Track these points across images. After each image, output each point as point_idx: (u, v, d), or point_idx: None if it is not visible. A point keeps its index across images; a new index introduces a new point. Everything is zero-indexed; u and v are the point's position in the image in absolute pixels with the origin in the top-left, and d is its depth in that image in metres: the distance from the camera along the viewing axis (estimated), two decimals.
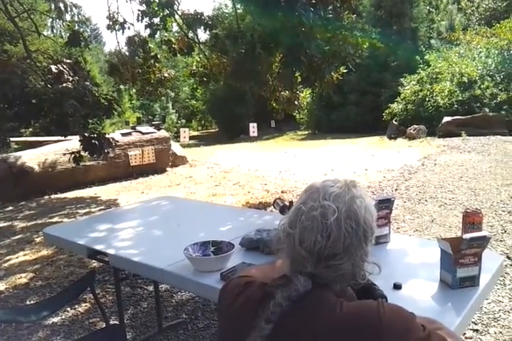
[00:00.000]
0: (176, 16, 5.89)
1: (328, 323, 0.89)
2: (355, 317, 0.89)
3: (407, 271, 1.61)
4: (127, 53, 6.48)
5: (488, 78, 11.89)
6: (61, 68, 4.95)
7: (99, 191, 7.36)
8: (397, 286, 1.44)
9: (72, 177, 7.49)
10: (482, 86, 11.68)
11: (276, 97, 6.23)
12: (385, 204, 1.84)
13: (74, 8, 6.08)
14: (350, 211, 0.94)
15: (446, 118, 10.76)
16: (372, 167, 7.58)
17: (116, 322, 2.71)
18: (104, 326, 2.59)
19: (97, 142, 5.18)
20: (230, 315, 1.03)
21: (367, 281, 1.08)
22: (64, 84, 4.78)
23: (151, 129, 9.02)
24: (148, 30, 5.95)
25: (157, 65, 6.65)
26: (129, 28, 6.06)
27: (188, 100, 28.81)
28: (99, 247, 2.02)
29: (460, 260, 1.42)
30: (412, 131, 11.14)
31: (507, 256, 3.47)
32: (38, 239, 4.83)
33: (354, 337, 0.87)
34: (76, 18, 6.59)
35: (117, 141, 5.99)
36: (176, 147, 9.72)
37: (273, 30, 4.82)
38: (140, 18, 5.80)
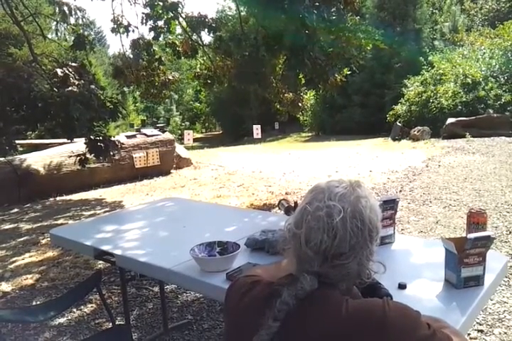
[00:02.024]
0: (180, 19, 5.93)
1: (334, 320, 0.90)
2: (361, 314, 0.90)
3: (412, 270, 1.62)
4: (131, 56, 6.52)
5: (492, 79, 11.88)
6: (67, 72, 4.98)
7: (104, 193, 7.39)
8: (401, 286, 1.45)
9: (78, 180, 7.52)
10: (486, 87, 11.67)
11: (280, 99, 6.26)
12: (390, 205, 1.86)
13: (78, 12, 6.10)
14: (356, 211, 0.95)
15: (450, 120, 10.75)
16: (377, 168, 7.58)
17: (122, 323, 2.72)
18: (110, 326, 2.61)
19: (102, 145, 5.21)
20: (236, 313, 1.05)
21: (372, 280, 1.09)
22: (70, 88, 4.81)
23: (155, 131, 9.05)
24: (152, 33, 5.99)
25: (161, 67, 6.69)
26: (133, 31, 6.10)
27: (192, 102, 28.95)
28: (105, 248, 2.04)
29: (464, 260, 1.43)
30: (416, 132, 11.13)
31: None
32: (43, 241, 4.85)
33: (359, 334, 0.88)
34: (80, 21, 6.61)
35: (122, 144, 6.02)
36: (180, 149, 9.75)
37: (277, 32, 4.85)
38: (144, 21, 5.84)
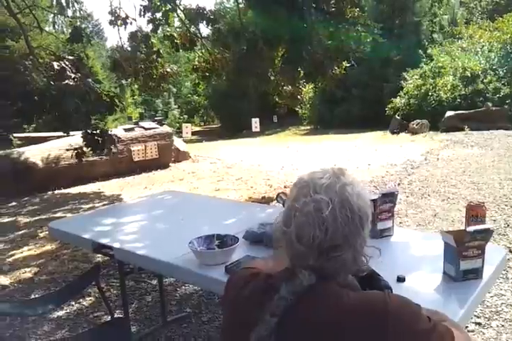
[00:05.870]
0: (178, 11, 5.89)
1: (335, 314, 0.89)
2: (362, 308, 0.89)
3: (411, 263, 1.62)
4: (129, 49, 6.47)
5: (491, 72, 11.85)
6: (63, 65, 4.94)
7: (102, 186, 7.38)
8: (400, 279, 1.44)
9: (76, 173, 7.50)
10: (485, 80, 11.64)
11: (279, 92, 6.23)
12: (389, 198, 1.85)
13: (75, 4, 6.07)
14: (343, 200, 0.93)
15: (449, 113, 10.73)
16: (375, 162, 7.58)
17: (121, 316, 2.72)
18: (108, 319, 2.61)
19: (99, 138, 5.18)
20: (235, 307, 1.04)
21: (370, 271, 1.08)
22: (66, 81, 4.77)
23: (153, 125, 9.03)
24: (150, 26, 5.95)
25: (159, 60, 6.64)
26: (131, 23, 6.04)
27: (190, 95, 28.83)
28: (104, 241, 2.03)
29: (463, 252, 1.42)
30: (414, 125, 11.12)
31: (510, 249, 3.47)
32: (42, 234, 4.85)
33: (360, 327, 0.87)
34: (78, 14, 6.58)
35: (119, 137, 5.97)
36: (178, 142, 9.72)
37: (275, 25, 4.82)
38: (142, 13, 5.79)
